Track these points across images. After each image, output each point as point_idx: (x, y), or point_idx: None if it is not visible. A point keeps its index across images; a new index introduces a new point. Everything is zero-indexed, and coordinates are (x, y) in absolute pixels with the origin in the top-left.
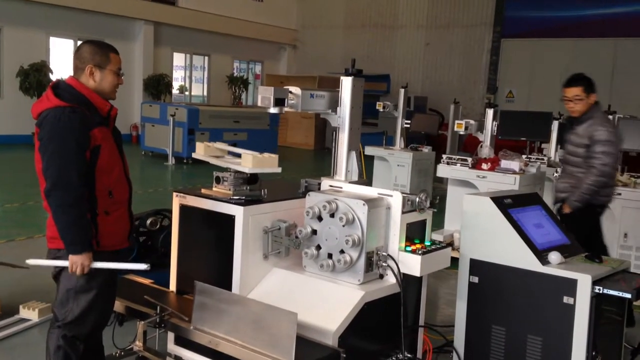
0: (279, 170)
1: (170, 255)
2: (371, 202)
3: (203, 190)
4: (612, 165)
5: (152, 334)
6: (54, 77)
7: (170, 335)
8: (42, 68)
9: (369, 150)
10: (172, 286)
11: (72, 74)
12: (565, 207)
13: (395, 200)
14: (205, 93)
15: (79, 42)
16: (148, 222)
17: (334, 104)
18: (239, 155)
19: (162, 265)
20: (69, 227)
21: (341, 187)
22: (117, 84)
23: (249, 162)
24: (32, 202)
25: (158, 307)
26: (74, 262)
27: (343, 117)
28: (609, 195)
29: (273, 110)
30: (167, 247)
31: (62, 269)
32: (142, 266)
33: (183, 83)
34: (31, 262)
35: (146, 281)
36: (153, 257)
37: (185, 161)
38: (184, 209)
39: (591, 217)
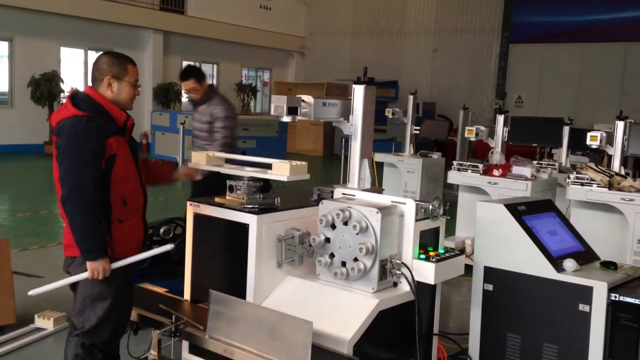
0: (308, 177)
1: (183, 264)
2: (385, 210)
3: (217, 199)
4: (231, 136)
5: (166, 343)
6: (65, 87)
7: (185, 344)
8: (53, 78)
9: (379, 157)
10: (187, 295)
11: (89, 84)
12: (197, 175)
13: (409, 208)
14: None
15: (90, 52)
16: (161, 230)
17: (346, 112)
18: (243, 163)
19: (176, 273)
20: (86, 235)
21: (354, 195)
22: (134, 95)
23: (286, 170)
24: (45, 211)
25: (173, 316)
26: (93, 269)
27: (355, 125)
28: None
29: (286, 119)
30: (181, 256)
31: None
32: (167, 247)
33: None
34: (34, 292)
35: (160, 290)
36: (167, 266)
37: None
38: (198, 217)
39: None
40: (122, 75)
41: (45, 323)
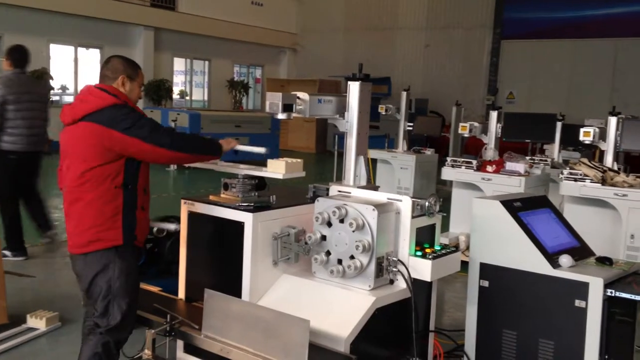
0: (304, 174)
1: (177, 263)
2: (381, 207)
3: (211, 197)
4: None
5: (160, 342)
6: (54, 84)
7: (180, 343)
8: (43, 75)
9: (372, 153)
10: (181, 294)
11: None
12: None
13: (405, 205)
14: (205, 98)
15: (80, 49)
16: (155, 229)
17: (342, 109)
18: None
19: (170, 272)
20: (198, 143)
21: (350, 193)
22: (139, 97)
23: (281, 168)
24: None
25: (168, 315)
26: (227, 150)
27: (351, 122)
28: (14, 143)
29: (281, 116)
30: (174, 255)
31: (92, 280)
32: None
33: (183, 88)
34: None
35: (155, 289)
36: (160, 265)
37: (187, 166)
38: (192, 216)
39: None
40: (134, 76)
41: (37, 323)
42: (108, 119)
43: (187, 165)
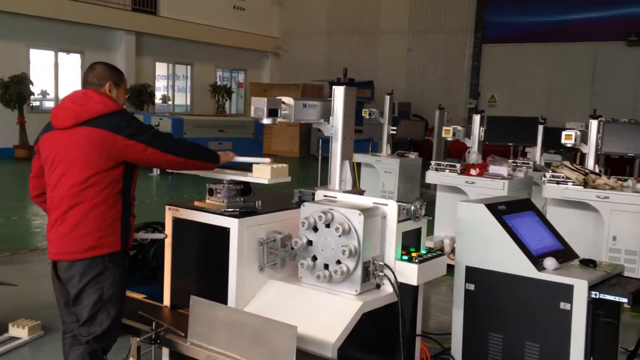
0: (289, 179)
1: (161, 269)
2: (367, 212)
3: (196, 203)
4: None
5: (145, 350)
6: (34, 89)
7: (165, 351)
8: (22, 80)
9: (356, 157)
10: (166, 301)
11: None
12: None
13: (391, 209)
14: (188, 102)
15: (60, 54)
16: (139, 237)
17: (327, 113)
18: None
19: (154, 279)
20: (197, 150)
21: (336, 197)
22: (124, 103)
23: (267, 173)
24: (16, 216)
25: (153, 323)
26: (225, 161)
27: (336, 126)
28: None
29: (266, 121)
30: (158, 261)
31: (84, 287)
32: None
33: (166, 93)
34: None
35: (139, 296)
36: (144, 271)
37: (170, 172)
38: (177, 222)
39: None
40: (120, 83)
41: (19, 332)
42: (112, 124)
43: (172, 171)
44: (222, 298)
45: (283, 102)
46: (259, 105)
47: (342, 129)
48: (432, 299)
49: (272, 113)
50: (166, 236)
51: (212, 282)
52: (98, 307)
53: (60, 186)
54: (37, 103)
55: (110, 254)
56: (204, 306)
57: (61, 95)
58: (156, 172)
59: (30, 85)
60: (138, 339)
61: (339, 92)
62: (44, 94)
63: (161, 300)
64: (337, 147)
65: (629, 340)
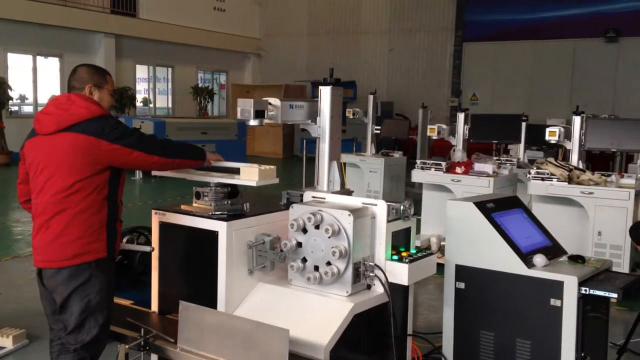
0: (277, 181)
1: (148, 274)
2: (356, 212)
3: (183, 207)
4: None
5: (134, 357)
6: (13, 94)
7: (154, 358)
8: (0, 85)
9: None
10: (154, 306)
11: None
12: None
13: (380, 209)
14: (170, 105)
15: (38, 58)
16: (124, 240)
17: (313, 114)
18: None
19: (142, 284)
20: (183, 149)
21: (324, 198)
22: (112, 104)
23: (254, 175)
24: None
25: (142, 329)
26: (213, 160)
27: (323, 127)
28: None
29: (253, 122)
30: (145, 266)
31: (70, 295)
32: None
33: (147, 95)
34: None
35: (126, 302)
36: (131, 277)
37: (153, 175)
38: (164, 226)
39: None
40: (102, 84)
41: (4, 341)
42: (96, 129)
43: (155, 174)
44: (211, 302)
45: (270, 103)
46: (245, 106)
47: (329, 129)
48: (420, 298)
49: (259, 114)
50: (153, 249)
51: (201, 286)
52: (85, 315)
53: (44, 192)
54: (16, 108)
55: (97, 261)
56: (193, 311)
57: (40, 100)
58: (139, 175)
59: (9, 90)
60: (126, 346)
61: (325, 92)
62: (22, 98)
63: (149, 306)
64: (324, 148)
65: (617, 334)
